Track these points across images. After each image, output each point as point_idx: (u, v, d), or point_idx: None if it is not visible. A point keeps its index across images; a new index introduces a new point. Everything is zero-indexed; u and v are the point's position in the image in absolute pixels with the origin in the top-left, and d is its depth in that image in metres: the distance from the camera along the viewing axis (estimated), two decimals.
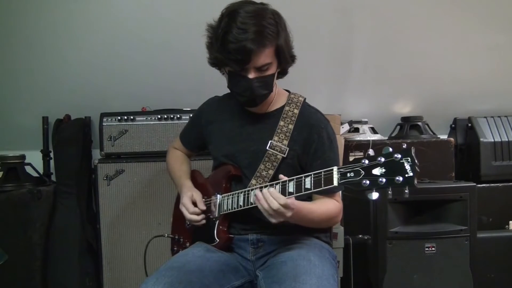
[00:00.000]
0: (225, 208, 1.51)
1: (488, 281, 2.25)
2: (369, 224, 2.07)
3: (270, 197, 1.28)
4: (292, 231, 1.51)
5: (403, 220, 2.02)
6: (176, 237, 1.72)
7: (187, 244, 1.65)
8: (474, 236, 2.02)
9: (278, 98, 1.59)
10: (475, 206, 2.02)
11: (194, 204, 1.57)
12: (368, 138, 2.54)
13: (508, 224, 2.46)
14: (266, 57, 1.42)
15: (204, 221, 1.56)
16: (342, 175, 1.18)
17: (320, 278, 1.31)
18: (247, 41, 1.35)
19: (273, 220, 1.31)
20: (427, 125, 2.72)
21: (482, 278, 2.18)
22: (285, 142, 1.50)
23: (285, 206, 1.27)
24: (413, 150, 1.09)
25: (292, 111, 1.54)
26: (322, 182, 1.23)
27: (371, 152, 1.13)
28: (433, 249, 2.00)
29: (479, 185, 2.26)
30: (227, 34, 1.38)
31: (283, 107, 1.56)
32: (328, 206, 1.47)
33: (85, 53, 2.46)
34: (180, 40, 2.35)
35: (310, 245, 1.48)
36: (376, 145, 2.41)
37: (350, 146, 2.42)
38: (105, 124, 2.32)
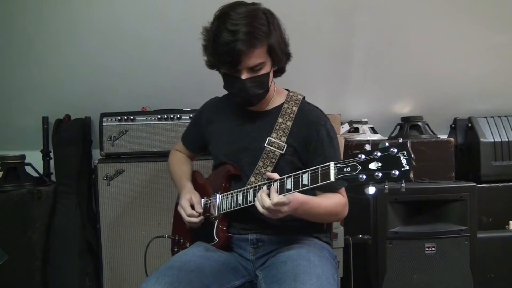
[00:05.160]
0: (224, 207, 1.52)
1: (488, 281, 2.25)
2: (369, 224, 2.07)
3: (265, 197, 1.29)
4: (292, 231, 1.51)
5: (403, 220, 2.02)
6: (177, 238, 1.72)
7: (187, 245, 1.65)
8: (474, 236, 2.02)
9: (277, 96, 1.59)
10: (475, 206, 2.02)
11: (192, 207, 1.57)
12: (368, 138, 2.54)
13: (508, 224, 2.46)
14: (257, 57, 1.41)
15: (200, 223, 1.56)
16: (339, 170, 1.18)
17: (320, 278, 1.31)
18: (236, 42, 1.35)
19: (272, 217, 1.30)
20: (427, 125, 2.71)
21: (482, 278, 2.18)
22: (284, 138, 1.50)
23: (277, 204, 1.27)
24: (409, 144, 1.09)
25: (291, 108, 1.54)
26: (320, 177, 1.24)
27: (367, 147, 1.14)
28: (433, 249, 2.00)
29: (479, 185, 2.26)
30: (217, 37, 1.39)
31: (282, 104, 1.56)
32: (333, 200, 1.47)
33: (85, 53, 2.46)
34: (180, 40, 2.35)
35: (310, 245, 1.48)
36: (376, 145, 2.41)
37: (350, 146, 2.42)
38: (105, 124, 2.32)
